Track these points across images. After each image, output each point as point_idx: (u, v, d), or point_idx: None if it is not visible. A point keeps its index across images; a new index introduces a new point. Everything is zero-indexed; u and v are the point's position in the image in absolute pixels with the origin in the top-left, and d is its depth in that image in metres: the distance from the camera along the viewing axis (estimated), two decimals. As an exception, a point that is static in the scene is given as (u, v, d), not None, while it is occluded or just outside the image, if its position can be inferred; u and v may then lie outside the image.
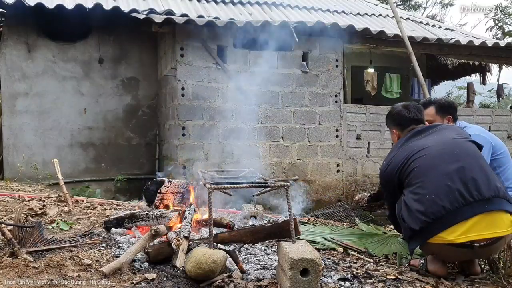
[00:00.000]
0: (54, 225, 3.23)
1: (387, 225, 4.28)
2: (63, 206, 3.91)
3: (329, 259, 2.72)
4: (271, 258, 2.64)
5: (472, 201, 2.26)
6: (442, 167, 2.37)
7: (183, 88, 6.37)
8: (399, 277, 2.39)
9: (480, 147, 2.57)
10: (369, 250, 2.95)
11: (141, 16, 6.60)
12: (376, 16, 9.96)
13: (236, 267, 2.32)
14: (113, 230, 3.03)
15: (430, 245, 2.35)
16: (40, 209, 3.65)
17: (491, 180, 2.36)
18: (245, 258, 2.63)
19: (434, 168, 2.38)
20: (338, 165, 7.17)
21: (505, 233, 2.30)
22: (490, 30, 21.00)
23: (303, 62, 6.94)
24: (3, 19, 7.42)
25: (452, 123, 3.24)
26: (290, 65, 6.91)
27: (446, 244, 2.29)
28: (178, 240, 2.30)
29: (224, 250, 2.26)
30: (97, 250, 2.57)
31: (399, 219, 2.50)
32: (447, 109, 3.28)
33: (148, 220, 2.97)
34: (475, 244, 2.25)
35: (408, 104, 2.80)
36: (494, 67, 12.89)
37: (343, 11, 9.73)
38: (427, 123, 3.24)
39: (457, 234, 2.25)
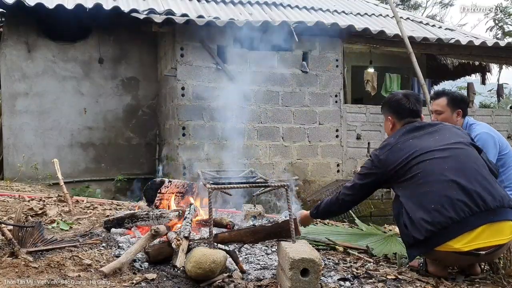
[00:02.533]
0: (54, 225, 3.22)
1: (387, 225, 4.29)
2: (63, 206, 3.91)
3: (329, 259, 2.71)
4: (271, 258, 2.63)
5: (478, 211, 2.24)
6: (447, 175, 2.33)
7: (183, 88, 6.37)
8: (399, 277, 2.39)
9: (480, 151, 2.54)
10: (369, 250, 2.95)
11: (141, 16, 6.60)
12: (376, 16, 9.96)
13: (236, 267, 2.31)
14: (113, 230, 3.03)
15: (434, 252, 2.33)
16: (40, 209, 3.65)
17: (496, 189, 2.33)
18: (245, 258, 2.63)
19: (438, 175, 2.33)
20: (338, 165, 7.17)
21: (509, 239, 2.30)
22: (490, 30, 21.02)
23: (303, 62, 6.93)
24: (3, 19, 7.42)
25: (461, 118, 3.20)
26: (290, 65, 6.91)
27: (451, 251, 2.27)
28: (178, 240, 2.29)
29: (224, 250, 2.25)
30: (97, 250, 2.57)
31: (399, 224, 2.47)
32: (459, 102, 3.22)
33: (148, 220, 2.97)
34: (481, 252, 2.24)
35: (408, 93, 2.74)
36: (494, 67, 12.92)
37: (343, 11, 9.73)
38: (434, 114, 3.23)
39: (463, 242, 2.23)
